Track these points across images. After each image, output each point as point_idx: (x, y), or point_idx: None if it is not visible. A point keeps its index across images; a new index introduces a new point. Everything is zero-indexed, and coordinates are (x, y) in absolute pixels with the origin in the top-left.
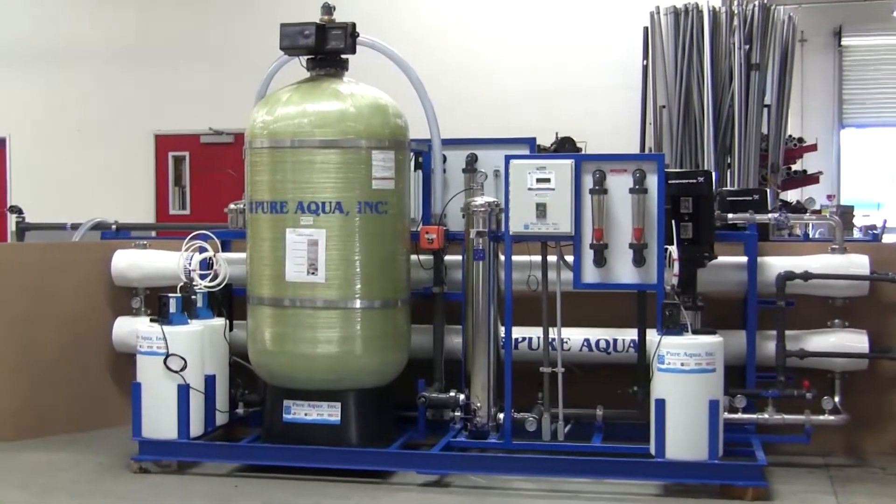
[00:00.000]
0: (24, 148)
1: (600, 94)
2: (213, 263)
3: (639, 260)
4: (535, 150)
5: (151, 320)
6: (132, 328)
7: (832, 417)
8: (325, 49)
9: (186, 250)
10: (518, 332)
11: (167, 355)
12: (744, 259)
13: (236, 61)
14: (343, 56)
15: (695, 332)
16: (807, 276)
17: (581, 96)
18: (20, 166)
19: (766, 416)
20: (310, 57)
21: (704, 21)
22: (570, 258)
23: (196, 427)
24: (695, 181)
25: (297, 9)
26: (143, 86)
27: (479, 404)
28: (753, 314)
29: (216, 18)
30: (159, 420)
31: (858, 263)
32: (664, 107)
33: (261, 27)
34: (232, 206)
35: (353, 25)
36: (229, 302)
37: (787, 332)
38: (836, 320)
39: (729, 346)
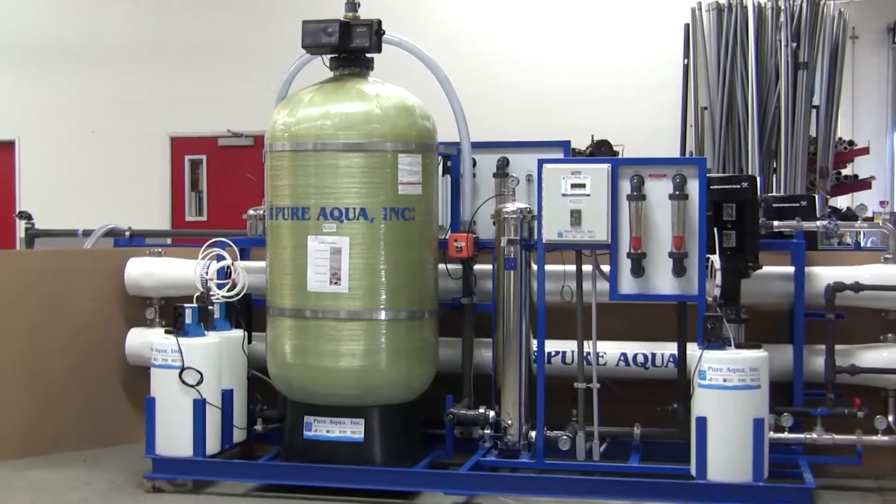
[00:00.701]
0: (33, 151)
1: (639, 95)
2: (231, 272)
3: (679, 270)
4: (570, 153)
5: (166, 332)
6: (146, 340)
7: (885, 438)
8: (350, 47)
9: (203, 258)
10: (551, 346)
11: (182, 369)
12: (790, 269)
13: (256, 60)
14: (368, 55)
15: (738, 346)
16: (858, 287)
17: (618, 97)
18: (30, 170)
19: (814, 435)
20: (333, 56)
21: (749, 17)
22: (606, 268)
23: (212, 444)
24: (738, 187)
25: (320, 6)
26: (159, 86)
27: (509, 422)
28: (801, 327)
29: (236, 16)
30: (174, 437)
31: None
32: (706, 108)
33: (282, 25)
34: (251, 211)
35: (379, 23)
36: (248, 313)
37: (837, 347)
38: (890, 334)
39: (775, 362)
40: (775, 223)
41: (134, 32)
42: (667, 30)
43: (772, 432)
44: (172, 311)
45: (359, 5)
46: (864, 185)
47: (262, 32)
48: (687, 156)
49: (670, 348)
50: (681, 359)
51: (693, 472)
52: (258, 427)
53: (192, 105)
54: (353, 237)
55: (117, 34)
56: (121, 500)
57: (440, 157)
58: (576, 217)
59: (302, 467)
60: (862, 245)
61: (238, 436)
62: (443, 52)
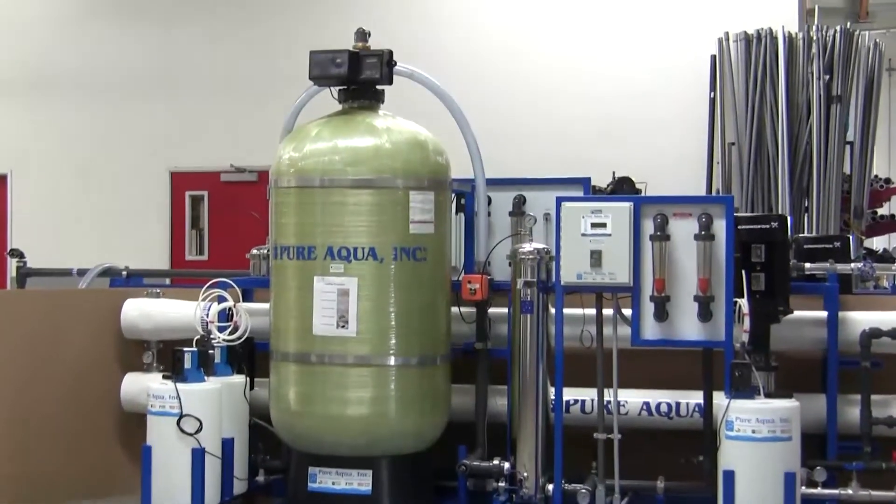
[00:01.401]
0: (26, 186)
1: (662, 130)
2: (233, 314)
3: (705, 314)
4: (590, 191)
5: (164, 377)
6: (143, 385)
7: None
8: (359, 79)
9: (204, 300)
10: (570, 394)
11: (181, 416)
12: (823, 314)
13: (261, 92)
14: (378, 87)
15: (768, 395)
16: (895, 333)
17: (641, 132)
18: (22, 206)
19: (849, 491)
20: (342, 87)
21: (779, 48)
22: (627, 312)
23: (212, 496)
24: (768, 226)
25: (328, 35)
26: (159, 119)
27: (525, 474)
28: (834, 376)
29: (239, 47)
30: (171, 488)
31: None
32: (734, 144)
33: (288, 55)
34: (254, 251)
35: (390, 53)
36: (251, 357)
37: (874, 397)
38: None
39: (807, 412)
40: (807, 265)
41: (133, 64)
42: (692, 62)
43: (804, 487)
44: (171, 355)
45: (369, 35)
46: None
47: (267, 63)
48: (713, 194)
49: (696, 397)
50: (707, 408)
51: None
52: (260, 478)
53: (194, 139)
54: (362, 278)
55: (116, 66)
56: None
57: (454, 195)
58: (596, 258)
59: None
60: None
61: (239, 487)
62: (457, 84)
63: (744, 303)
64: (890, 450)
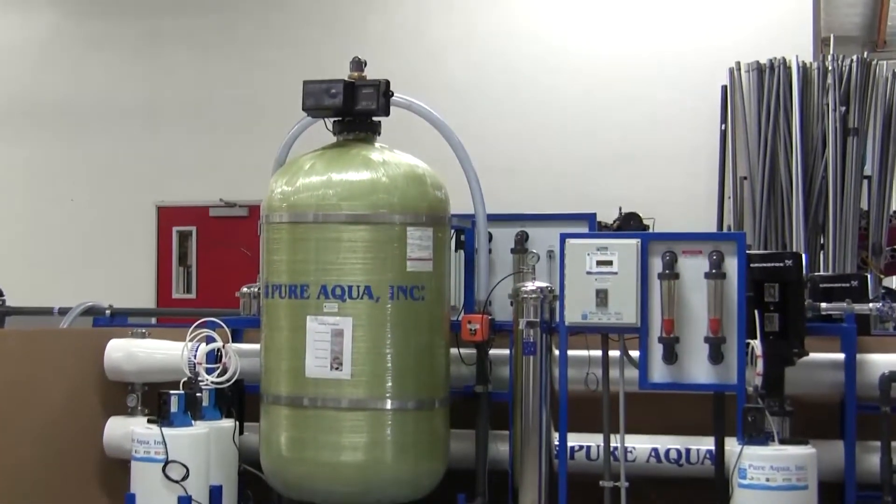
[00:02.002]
0: (6, 220)
1: (671, 164)
2: (222, 355)
3: (716, 356)
4: (596, 227)
5: (149, 421)
6: (127, 430)
7: None
8: (355, 110)
9: (191, 340)
10: (574, 440)
11: (167, 462)
12: (841, 356)
13: (252, 124)
14: (375, 118)
15: (782, 441)
16: None
17: (648, 166)
18: (1, 241)
19: None
20: (336, 119)
21: (793, 78)
22: (635, 353)
23: None
24: (782, 264)
25: (323, 65)
26: (146, 150)
27: None
28: (852, 421)
29: (230, 77)
30: None
31: None
32: (746, 178)
33: (281, 85)
34: (245, 289)
35: (387, 83)
36: (240, 400)
37: (894, 444)
38: None
39: (823, 459)
40: (823, 305)
41: (119, 94)
42: (703, 92)
43: None
44: (157, 399)
45: (365, 64)
46: None
47: (259, 93)
48: (725, 230)
49: (707, 443)
50: (718, 455)
51: None
52: None
53: (181, 172)
54: (357, 318)
55: (100, 96)
56: None
57: (453, 231)
58: (602, 297)
59: None
60: None
61: None
62: (456, 114)
63: (757, 344)
64: None
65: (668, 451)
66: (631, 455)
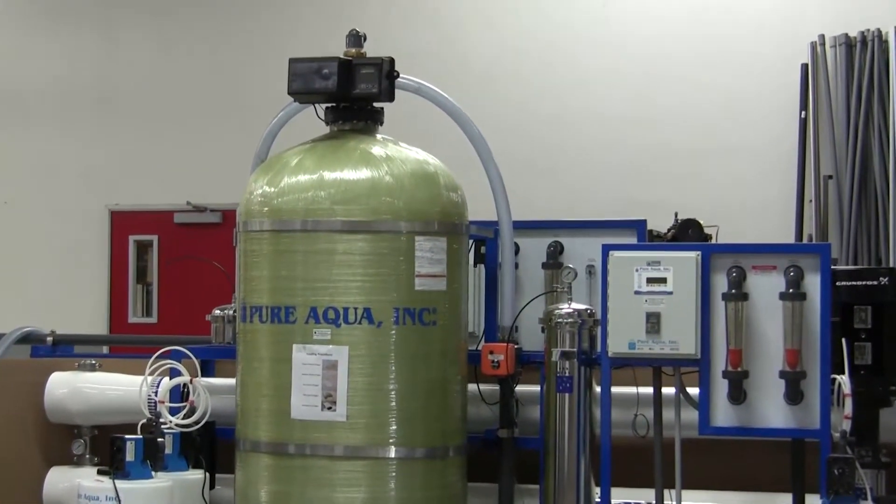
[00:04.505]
0: None
1: (738, 161)
2: (188, 392)
3: (794, 395)
4: (646, 237)
5: (99, 472)
6: (72, 483)
7: None
8: (352, 94)
9: (152, 374)
10: (620, 496)
11: None
12: None
13: (227, 112)
14: (376, 104)
15: (876, 500)
16: None
17: (711, 163)
18: None
19: None
20: (330, 105)
21: (890, 54)
22: (694, 391)
23: None
24: (876, 283)
25: (314, 43)
26: (97, 144)
27: None
28: None
29: (200, 56)
30: None
31: None
32: (831, 177)
33: (262, 66)
34: (217, 312)
35: (391, 62)
36: (211, 447)
37: None
38: None
39: None
40: None
41: (66, 77)
42: (778, 73)
43: None
44: (109, 445)
45: (364, 39)
46: None
47: (235, 76)
48: (805, 241)
49: (782, 501)
50: None
51: None
52: None
53: (141, 170)
54: (354, 347)
55: (45, 80)
56: None
57: (472, 241)
58: (653, 323)
59: None
60: None
61: None
62: (476, 102)
63: (844, 381)
64: None
65: None
66: None
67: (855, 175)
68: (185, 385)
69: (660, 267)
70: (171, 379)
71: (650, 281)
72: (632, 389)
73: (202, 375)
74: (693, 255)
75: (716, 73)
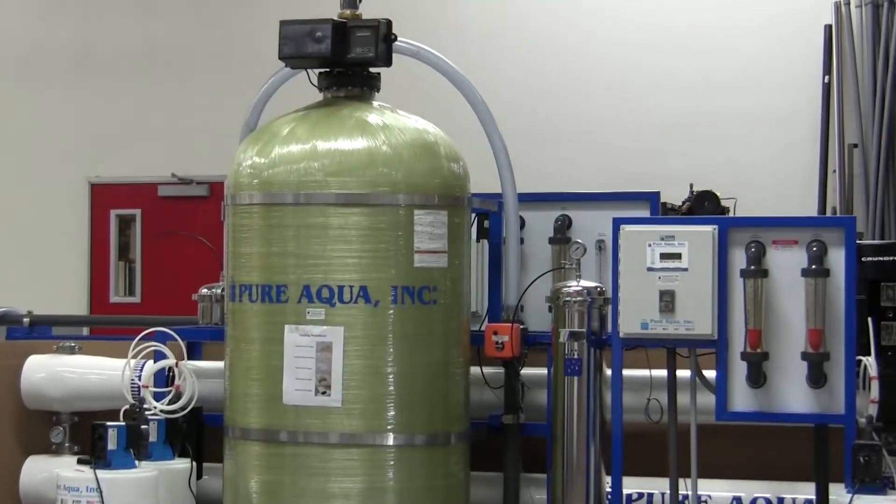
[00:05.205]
0: None
1: (757, 129)
2: (174, 376)
3: (817, 378)
4: (660, 211)
5: (79, 461)
6: (50, 473)
7: None
8: (347, 59)
9: (135, 357)
10: (632, 485)
11: None
12: None
13: (214, 78)
14: (373, 69)
15: None
16: None
17: (729, 132)
18: None
19: None
20: (323, 70)
21: None
22: (711, 374)
23: None
24: None
25: (307, 4)
26: (77, 110)
27: None
28: None
29: (186, 19)
30: None
31: None
32: (856, 146)
33: (251, 30)
34: (204, 290)
35: (388, 24)
36: (198, 435)
37: None
38: None
39: None
40: None
41: (41, 38)
42: (799, 35)
43: None
44: (89, 433)
45: (360, 0)
46: None
47: (223, 39)
48: (828, 214)
49: (805, 491)
50: None
51: None
52: None
53: (123, 140)
54: (350, 328)
55: (18, 42)
56: None
57: (474, 215)
58: (667, 301)
59: None
60: None
61: None
62: (478, 67)
63: (871, 362)
64: None
65: (754, 500)
66: None
67: (882, 143)
68: (170, 369)
69: (674, 242)
70: (155, 362)
71: (664, 257)
72: (645, 372)
73: (188, 358)
74: (709, 229)
75: (733, 36)
